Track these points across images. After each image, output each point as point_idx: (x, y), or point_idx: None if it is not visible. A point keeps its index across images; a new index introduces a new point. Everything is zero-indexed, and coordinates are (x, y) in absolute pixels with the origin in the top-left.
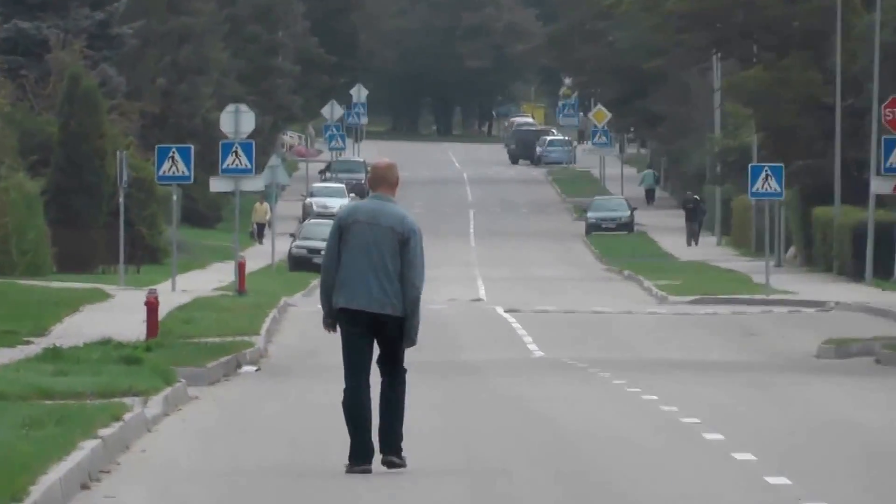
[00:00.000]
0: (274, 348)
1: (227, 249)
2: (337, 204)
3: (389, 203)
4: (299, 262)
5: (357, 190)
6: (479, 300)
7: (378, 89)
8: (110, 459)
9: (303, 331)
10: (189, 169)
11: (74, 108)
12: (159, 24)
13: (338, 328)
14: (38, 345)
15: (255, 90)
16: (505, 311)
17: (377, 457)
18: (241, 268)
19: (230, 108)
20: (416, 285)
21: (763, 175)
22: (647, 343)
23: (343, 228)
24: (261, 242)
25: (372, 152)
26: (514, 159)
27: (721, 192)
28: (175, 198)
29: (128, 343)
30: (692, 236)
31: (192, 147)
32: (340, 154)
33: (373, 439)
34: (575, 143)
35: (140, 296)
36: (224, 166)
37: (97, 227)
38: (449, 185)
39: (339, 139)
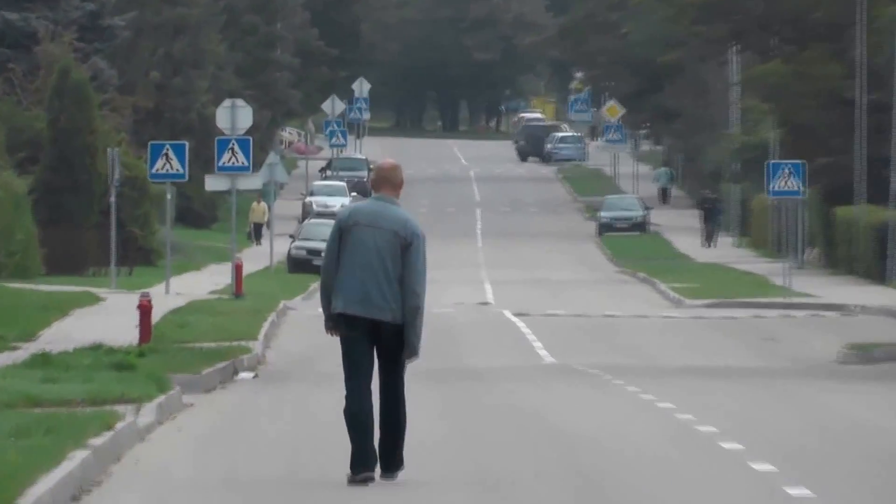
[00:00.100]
0: (272, 354)
1: (224, 250)
2: (338, 203)
3: (392, 205)
4: (299, 264)
5: (359, 188)
6: (486, 303)
7: (381, 83)
8: (102, 470)
9: (302, 336)
10: (184, 166)
11: (64, 103)
12: (153, 15)
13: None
14: (26, 350)
15: (253, 84)
16: (513, 314)
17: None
18: (238, 270)
19: (227, 102)
20: (418, 292)
21: (783, 173)
22: (662, 348)
23: (343, 230)
24: (258, 243)
25: (374, 149)
26: (523, 156)
27: (739, 191)
28: (169, 197)
29: (120, 348)
30: (709, 237)
31: (187, 143)
32: (341, 151)
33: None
34: (587, 140)
35: (132, 299)
36: (220, 164)
37: (88, 228)
38: (455, 183)
39: (340, 135)
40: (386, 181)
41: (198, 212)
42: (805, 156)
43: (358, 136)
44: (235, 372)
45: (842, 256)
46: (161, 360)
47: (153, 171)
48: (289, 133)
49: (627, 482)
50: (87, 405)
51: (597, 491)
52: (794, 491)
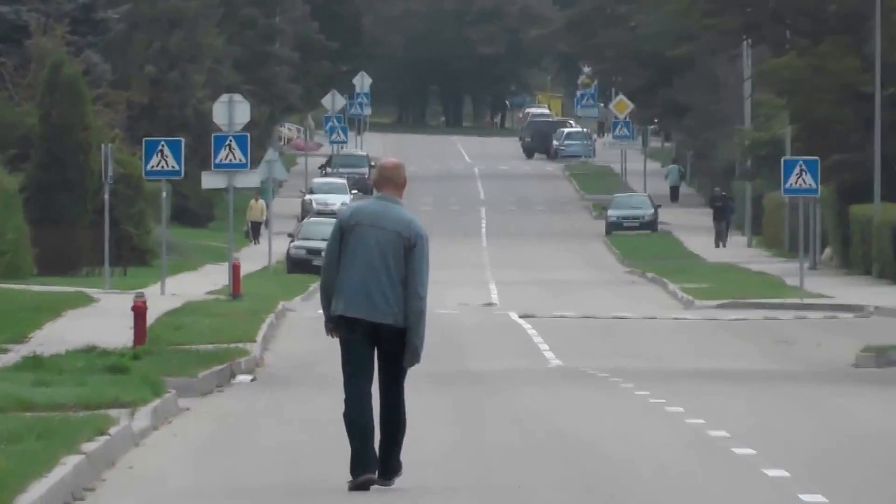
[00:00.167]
0: (271, 357)
1: (221, 250)
2: (338, 201)
3: (395, 205)
4: (298, 264)
5: (360, 186)
6: (491, 305)
7: (382, 78)
8: (95, 476)
9: (302, 338)
10: (179, 164)
11: (56, 99)
12: (148, 8)
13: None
14: (17, 353)
15: (251, 79)
16: (519, 316)
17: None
18: (235, 270)
19: (224, 98)
20: (421, 295)
21: (797, 170)
22: (672, 351)
23: (345, 230)
24: (257, 242)
25: (376, 146)
26: (529, 153)
27: (752, 189)
28: (164, 195)
29: (114, 351)
30: (720, 236)
31: (183, 140)
32: (342, 148)
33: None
34: (594, 136)
35: (127, 300)
36: (217, 161)
37: (81, 227)
38: (459, 180)
39: (340, 132)
40: (389, 181)
41: (194, 210)
42: (820, 152)
43: (359, 132)
44: (233, 375)
45: (857, 256)
46: (156, 362)
47: (148, 168)
48: (288, 129)
49: (636, 489)
50: (80, 409)
51: (604, 498)
52: (808, 498)
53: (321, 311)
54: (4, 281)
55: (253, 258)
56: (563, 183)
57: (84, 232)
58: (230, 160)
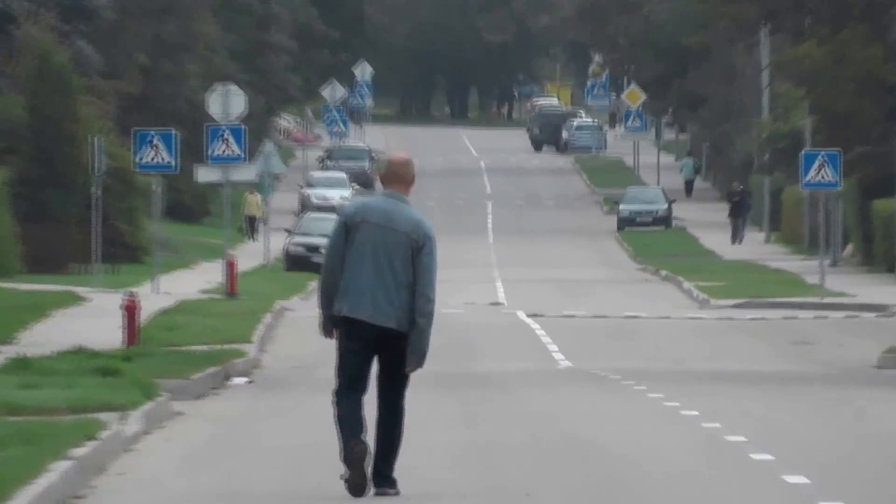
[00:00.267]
0: (268, 358)
1: (216, 247)
2: (338, 195)
3: (404, 204)
4: (296, 261)
5: (360, 180)
6: (498, 304)
7: (385, 67)
8: (84, 483)
9: (300, 338)
10: (173, 157)
11: (44, 89)
12: None
13: (334, 334)
14: (2, 354)
15: (248, 68)
16: (527, 316)
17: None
18: (231, 267)
19: (219, 88)
20: (431, 298)
21: (817, 163)
22: (687, 352)
23: (350, 227)
24: (253, 239)
25: (377, 138)
26: (538, 146)
27: (770, 183)
28: (157, 189)
29: (104, 352)
30: (737, 232)
31: (177, 132)
32: (342, 140)
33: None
34: (606, 128)
35: (117, 299)
36: (212, 154)
37: (70, 223)
38: (464, 174)
39: (340, 123)
40: (397, 177)
41: (188, 205)
42: (841, 145)
43: (359, 124)
44: (228, 377)
45: (880, 253)
46: (148, 364)
47: (140, 161)
48: (286, 121)
49: (649, 496)
50: (69, 413)
51: (613, 502)
52: None
53: (318, 310)
54: None
55: (249, 255)
56: (572, 177)
57: (73, 228)
58: (226, 153)
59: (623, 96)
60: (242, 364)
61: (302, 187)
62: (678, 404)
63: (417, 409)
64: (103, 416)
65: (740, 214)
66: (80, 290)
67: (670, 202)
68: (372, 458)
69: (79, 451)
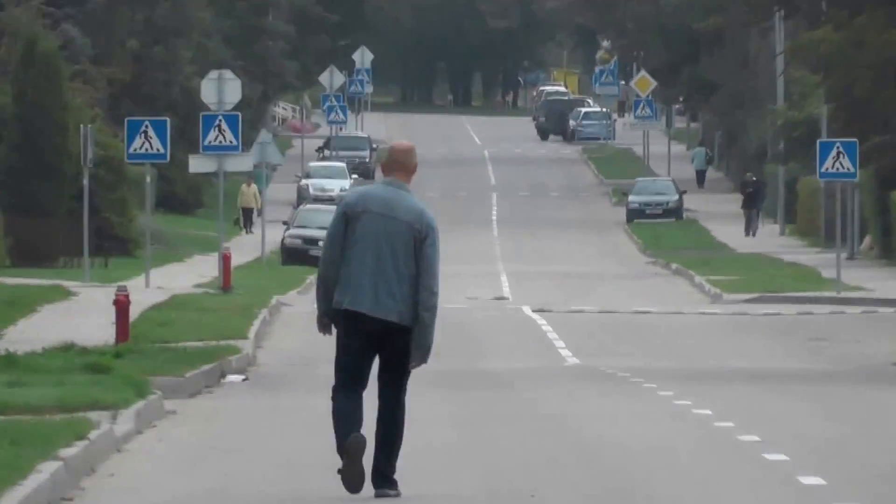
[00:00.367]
0: (264, 354)
1: (210, 239)
2: (337, 186)
3: (406, 193)
4: (293, 255)
5: (360, 170)
6: (502, 299)
7: (385, 53)
8: (74, 485)
9: (297, 334)
10: (165, 146)
11: (31, 76)
12: None
13: (333, 330)
14: None
15: (243, 54)
16: (533, 311)
17: (370, 491)
18: (225, 261)
19: (213, 74)
20: (435, 291)
21: (834, 152)
22: (698, 349)
23: (351, 217)
24: (249, 231)
25: (377, 127)
26: (544, 135)
27: (784, 173)
28: (149, 179)
29: (94, 349)
30: (751, 224)
31: (169, 120)
32: (341, 129)
33: (364, 466)
34: (614, 116)
35: (108, 293)
36: (206, 143)
37: (58, 214)
38: (468, 164)
39: (339, 111)
40: (399, 165)
41: (181, 196)
42: (859, 133)
43: (359, 112)
44: (223, 375)
45: None
46: (140, 361)
47: (131, 150)
48: (283, 109)
49: (659, 497)
50: (58, 412)
51: None
52: None
53: (315, 304)
54: None
55: (245, 248)
56: (580, 167)
57: (61, 220)
58: (220, 142)
59: (632, 83)
60: (237, 361)
61: (299, 178)
62: (690, 403)
63: (419, 408)
64: (93, 415)
65: (754, 206)
66: (69, 284)
67: (681, 193)
68: (373, 456)
69: (68, 452)
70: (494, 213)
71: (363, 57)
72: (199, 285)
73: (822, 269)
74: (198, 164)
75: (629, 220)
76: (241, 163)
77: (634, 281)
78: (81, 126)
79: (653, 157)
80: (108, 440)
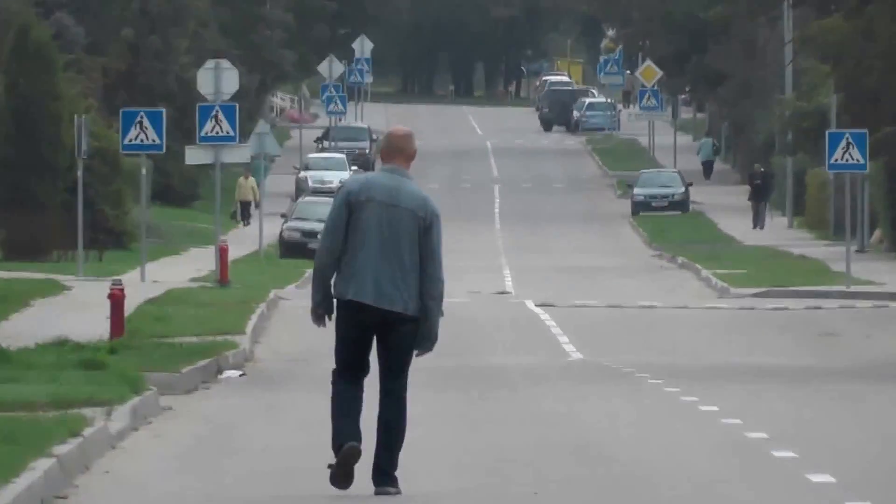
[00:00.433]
0: (262, 350)
1: (207, 232)
2: (336, 178)
3: (407, 180)
4: (292, 248)
5: (360, 162)
6: (505, 293)
7: (385, 42)
8: (68, 482)
9: (296, 329)
10: (161, 137)
11: (23, 66)
12: None
13: (327, 320)
14: None
15: (240, 43)
16: (536, 305)
17: (370, 489)
18: (222, 254)
19: (210, 64)
20: (441, 279)
21: (843, 144)
22: (705, 344)
23: (354, 206)
24: (246, 224)
25: (378, 117)
26: (547, 125)
27: (793, 165)
28: (144, 171)
29: (88, 344)
30: (758, 217)
31: (165, 111)
32: (340, 119)
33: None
34: (619, 107)
35: (103, 287)
36: (202, 134)
37: (51, 207)
38: (470, 156)
39: (338, 102)
40: (399, 151)
41: (177, 189)
42: (868, 124)
43: (358, 103)
44: (220, 370)
45: None
46: (135, 357)
47: (126, 142)
48: (281, 99)
49: (665, 495)
50: (52, 408)
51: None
52: None
53: (312, 294)
54: None
55: (242, 241)
56: (584, 158)
57: (55, 213)
58: (217, 133)
59: (637, 73)
60: (235, 357)
61: (298, 170)
62: (696, 399)
63: (420, 404)
64: (88, 411)
65: (762, 198)
66: (62, 278)
67: (687, 185)
68: (374, 452)
69: (62, 449)
70: (497, 205)
71: (363, 46)
72: (195, 279)
73: (832, 262)
74: (194, 156)
75: (634, 212)
76: (239, 154)
77: (639, 275)
78: (75, 117)
79: (658, 148)
80: (102, 437)
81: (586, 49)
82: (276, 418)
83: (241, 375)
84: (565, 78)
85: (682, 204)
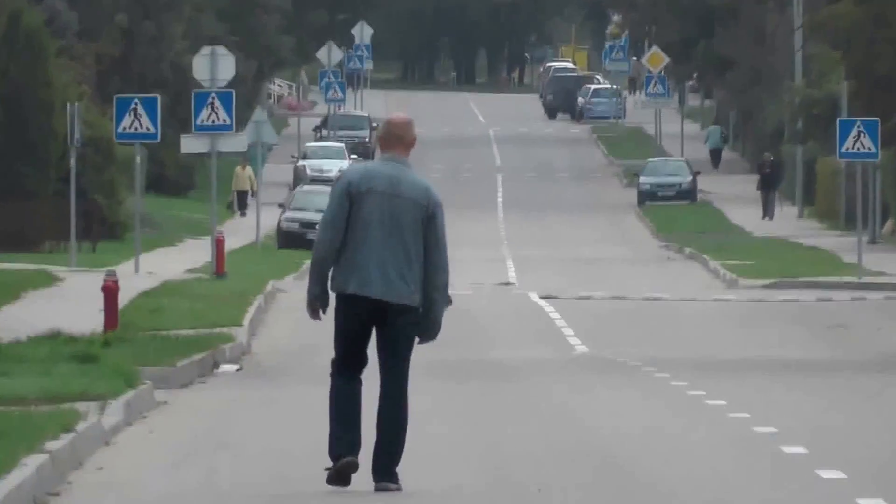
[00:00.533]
0: (259, 343)
1: (202, 223)
2: (335, 167)
3: (408, 169)
4: (290, 239)
5: (359, 150)
6: (508, 284)
7: (385, 28)
8: (60, 479)
9: (294, 322)
10: (155, 125)
11: (15, 52)
12: None
13: (321, 314)
14: None
15: (237, 29)
16: (540, 297)
17: (370, 485)
18: (219, 245)
19: (206, 50)
20: (446, 268)
21: (854, 132)
22: (713, 336)
23: (355, 196)
24: (243, 214)
25: (378, 104)
26: (551, 113)
27: (803, 153)
28: (138, 160)
29: (81, 337)
30: (768, 207)
31: (160, 98)
32: (339, 107)
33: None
34: (625, 94)
35: (96, 279)
36: (198, 122)
37: (43, 197)
38: (472, 144)
39: (337, 89)
40: (398, 139)
41: (172, 178)
42: (880, 112)
43: (358, 90)
44: (216, 364)
45: None
46: (129, 350)
47: (120, 130)
48: (278, 86)
49: (671, 490)
50: (44, 403)
51: (631, 501)
52: (865, 502)
53: (309, 286)
54: None
55: (239, 232)
56: (589, 147)
57: (47, 202)
58: (213, 121)
59: (644, 60)
60: (231, 350)
61: (296, 158)
62: (703, 393)
63: (421, 399)
64: (81, 406)
65: (771, 187)
66: (55, 269)
67: (695, 174)
68: (373, 448)
69: (54, 444)
70: (500, 195)
71: (362, 32)
72: (191, 271)
73: (843, 253)
74: (190, 144)
75: (640, 202)
76: (235, 142)
77: (646, 266)
78: (68, 104)
79: (665, 136)
80: (96, 432)
81: (591, 35)
82: (274, 413)
83: (237, 369)
84: (570, 65)
85: (689, 193)
